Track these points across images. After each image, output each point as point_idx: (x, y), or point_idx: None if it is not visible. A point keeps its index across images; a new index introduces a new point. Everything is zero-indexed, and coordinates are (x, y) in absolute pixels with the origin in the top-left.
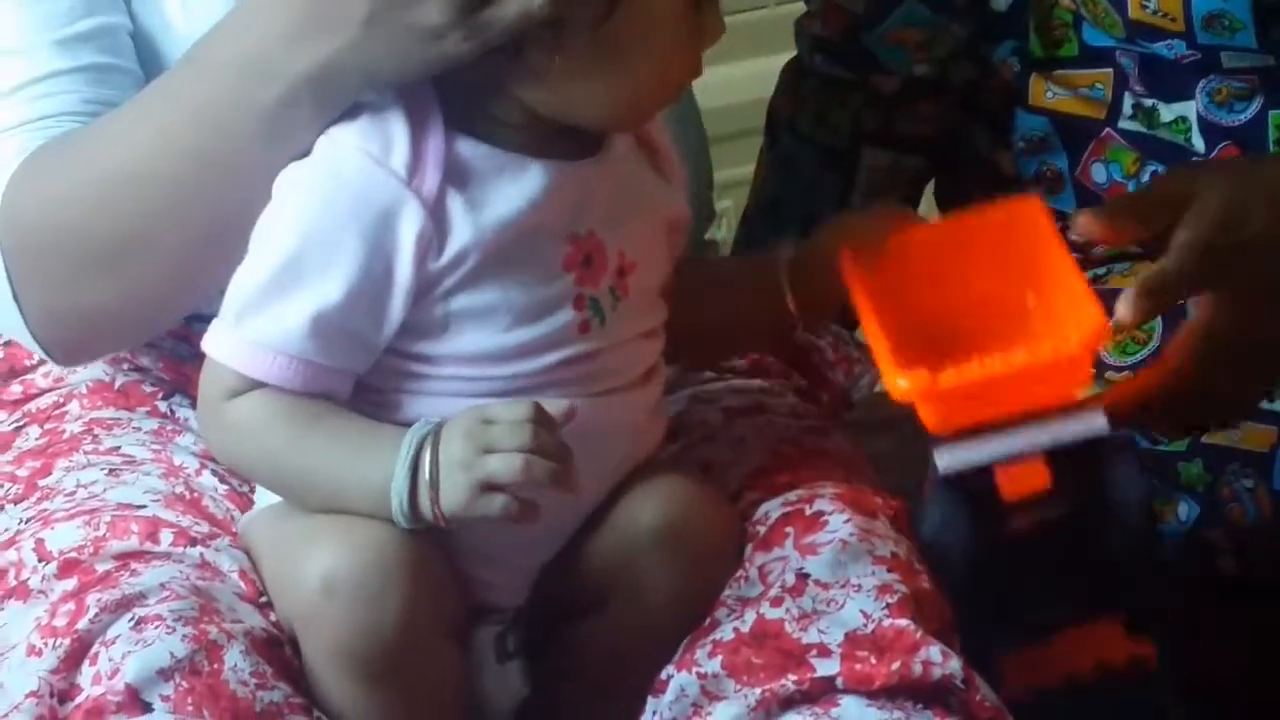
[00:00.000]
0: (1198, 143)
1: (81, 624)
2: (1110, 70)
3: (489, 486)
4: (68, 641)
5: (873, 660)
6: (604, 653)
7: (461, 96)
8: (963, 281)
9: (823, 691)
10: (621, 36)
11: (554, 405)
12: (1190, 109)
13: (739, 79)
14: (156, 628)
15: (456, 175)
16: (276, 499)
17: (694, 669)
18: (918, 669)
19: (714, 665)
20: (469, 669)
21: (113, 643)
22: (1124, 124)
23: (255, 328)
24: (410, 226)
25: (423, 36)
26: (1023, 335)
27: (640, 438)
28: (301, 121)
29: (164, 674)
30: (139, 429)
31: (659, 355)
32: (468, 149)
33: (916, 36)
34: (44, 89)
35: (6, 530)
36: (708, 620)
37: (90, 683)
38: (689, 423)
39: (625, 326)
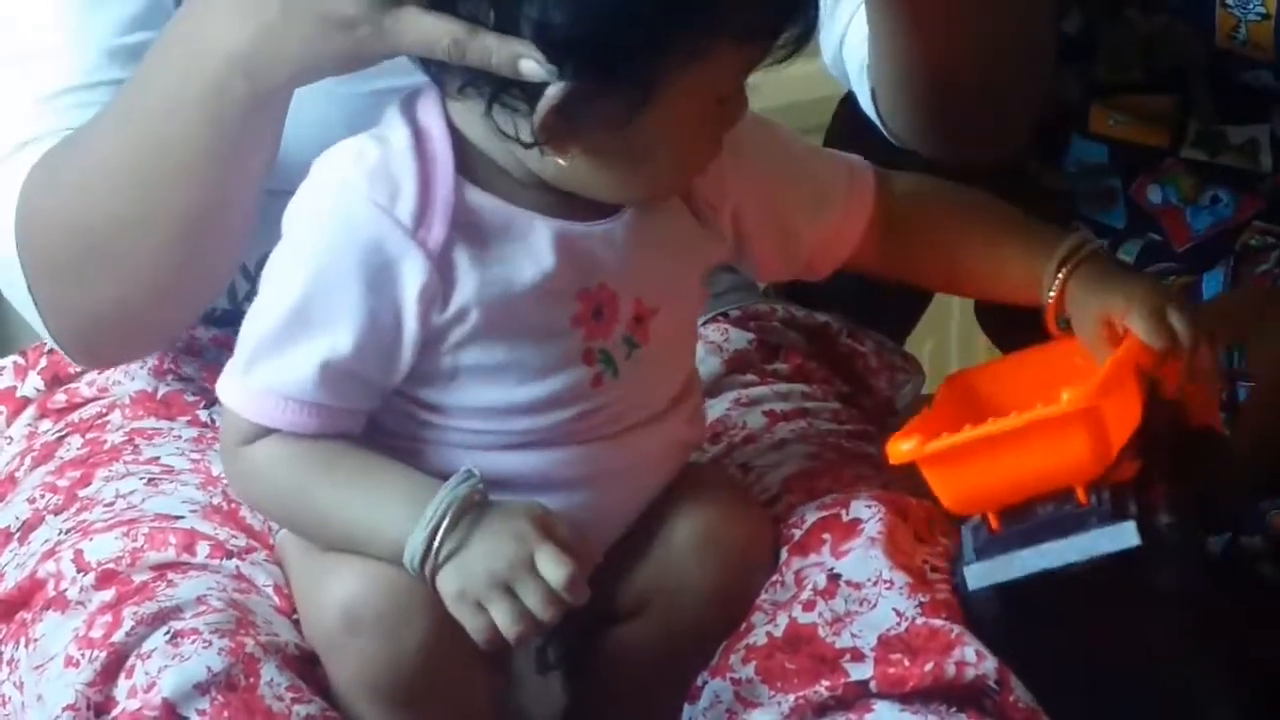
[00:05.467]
0: (1265, 162)
1: (117, 636)
2: (1177, 96)
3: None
4: (104, 654)
5: (906, 662)
6: (643, 659)
7: (476, 146)
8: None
9: (856, 696)
10: (644, 137)
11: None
12: (1264, 131)
13: (784, 81)
14: (193, 642)
15: (464, 228)
16: None
17: (728, 675)
18: (951, 670)
19: (748, 671)
20: (508, 682)
21: (149, 656)
22: (1186, 151)
23: (265, 375)
24: (414, 279)
25: (335, 25)
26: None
27: (669, 461)
28: (237, 102)
29: (200, 688)
30: (179, 438)
31: (687, 380)
32: (478, 200)
33: None
34: (83, 98)
35: (47, 541)
36: (743, 625)
37: (126, 696)
38: (730, 425)
39: (642, 372)
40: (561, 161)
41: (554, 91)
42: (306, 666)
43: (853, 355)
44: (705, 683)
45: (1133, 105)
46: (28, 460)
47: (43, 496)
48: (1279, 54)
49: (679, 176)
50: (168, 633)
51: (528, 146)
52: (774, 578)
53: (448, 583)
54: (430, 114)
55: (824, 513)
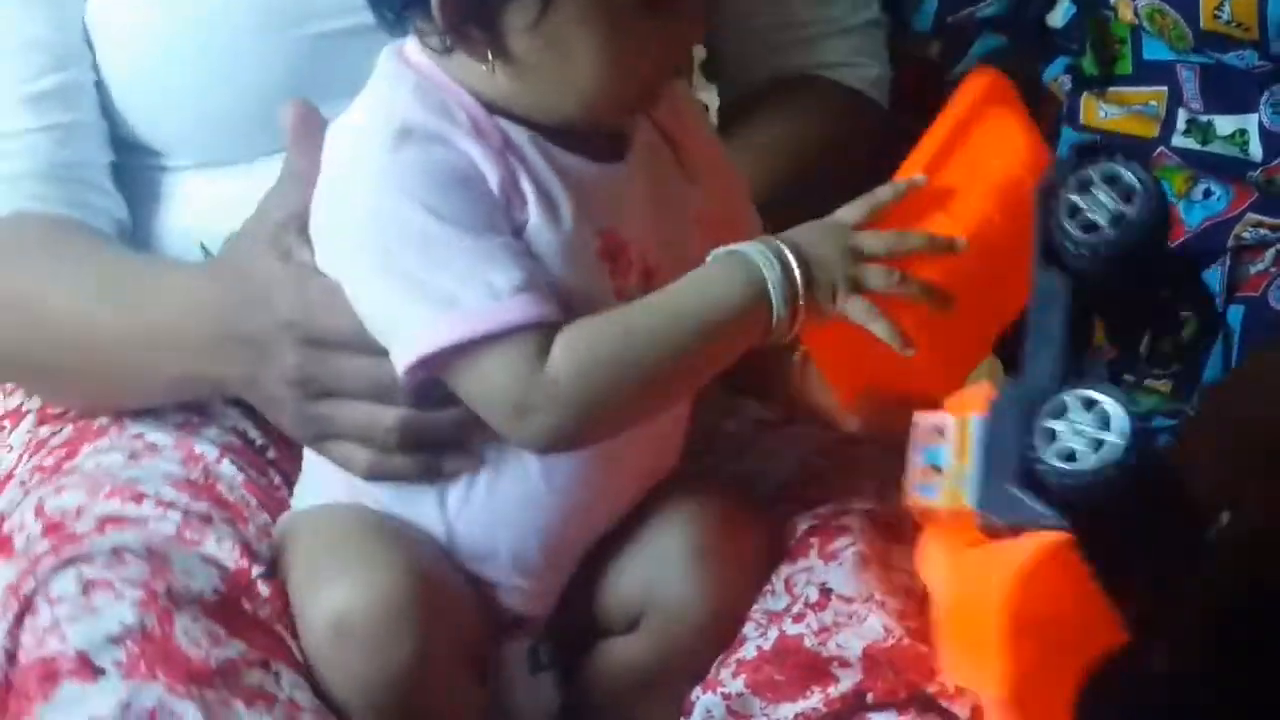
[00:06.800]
0: (1255, 152)
1: (28, 585)
2: (1165, 88)
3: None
4: (17, 603)
5: (890, 675)
6: (637, 673)
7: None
8: None
9: (852, 711)
10: (561, 37)
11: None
12: (1251, 121)
13: None
14: (106, 593)
15: (510, 146)
16: (313, 501)
17: (719, 689)
18: (931, 691)
19: (738, 685)
20: (500, 684)
21: (57, 602)
22: (1177, 140)
23: (482, 289)
24: (493, 177)
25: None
26: None
27: (664, 447)
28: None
29: (114, 640)
30: (166, 420)
31: None
32: (510, 128)
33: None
34: (9, 147)
35: (25, 504)
36: (737, 638)
37: (33, 642)
38: (719, 435)
39: None
40: (483, 68)
41: None
42: (227, 609)
43: None
44: (698, 698)
45: (1122, 97)
46: (25, 457)
47: (32, 477)
48: (1263, 30)
49: (620, 91)
50: (79, 580)
51: (442, 51)
52: (765, 587)
53: (829, 283)
54: (420, 58)
55: (815, 522)
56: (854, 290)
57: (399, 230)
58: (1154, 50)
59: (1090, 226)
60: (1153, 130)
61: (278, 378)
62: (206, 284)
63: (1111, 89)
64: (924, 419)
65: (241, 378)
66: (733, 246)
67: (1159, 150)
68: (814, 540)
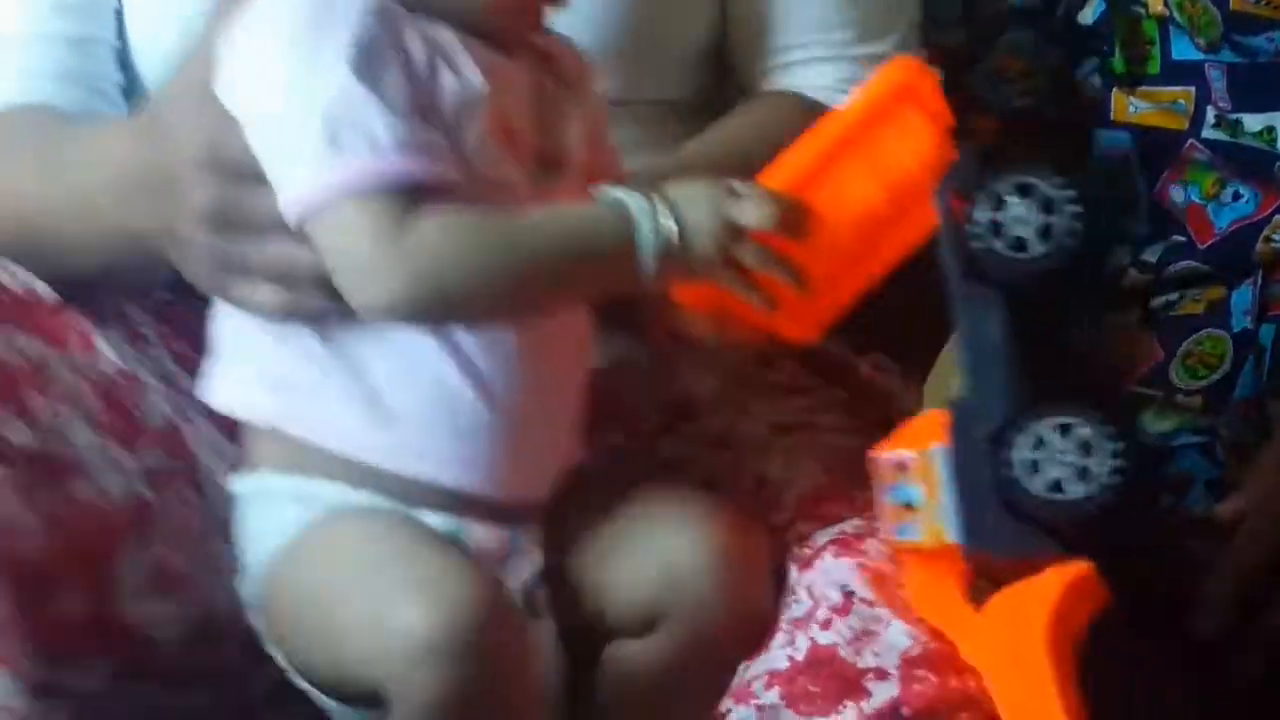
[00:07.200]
0: None
1: None
2: (1193, 87)
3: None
4: None
5: (932, 679)
6: (661, 676)
7: None
8: None
9: None
10: None
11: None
12: (1279, 119)
13: None
14: None
15: (425, 20)
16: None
17: (751, 701)
18: (972, 685)
19: (771, 696)
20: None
21: None
22: (1207, 133)
23: (362, 136)
24: (413, 38)
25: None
26: None
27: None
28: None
29: None
30: None
31: None
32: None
33: (1018, 66)
34: (28, 46)
35: None
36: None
37: None
38: (738, 435)
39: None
40: None
41: None
42: None
43: (847, 367)
44: (729, 710)
45: (1151, 95)
46: None
47: None
48: None
49: None
50: None
51: None
52: (790, 596)
53: (701, 249)
54: None
55: (835, 536)
56: (726, 261)
57: (300, 71)
58: (1182, 50)
59: (1018, 241)
60: (1183, 124)
61: (190, 216)
62: (123, 137)
63: (1141, 88)
64: (882, 456)
65: (159, 229)
66: (619, 194)
67: (1189, 143)
68: (834, 547)
